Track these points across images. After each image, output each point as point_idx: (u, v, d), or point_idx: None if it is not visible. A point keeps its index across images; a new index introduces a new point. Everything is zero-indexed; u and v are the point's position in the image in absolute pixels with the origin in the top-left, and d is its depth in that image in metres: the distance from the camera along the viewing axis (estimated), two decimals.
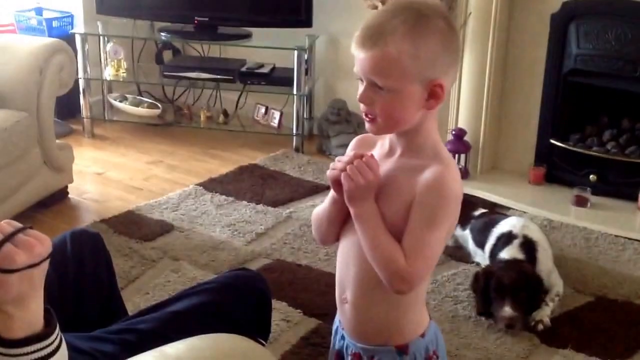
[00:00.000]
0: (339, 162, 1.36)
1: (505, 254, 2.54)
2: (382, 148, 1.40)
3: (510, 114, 3.57)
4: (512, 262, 2.49)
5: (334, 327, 1.53)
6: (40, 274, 1.09)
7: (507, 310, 2.34)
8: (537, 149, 3.51)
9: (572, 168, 3.42)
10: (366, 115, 1.33)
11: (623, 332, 2.41)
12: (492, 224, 2.76)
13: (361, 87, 1.32)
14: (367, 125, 1.34)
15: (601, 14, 3.20)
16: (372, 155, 1.35)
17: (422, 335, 1.42)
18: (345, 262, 1.42)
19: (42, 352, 1.10)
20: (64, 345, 1.16)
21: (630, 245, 2.98)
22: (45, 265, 1.09)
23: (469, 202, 2.89)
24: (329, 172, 1.38)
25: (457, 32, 1.38)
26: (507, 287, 2.37)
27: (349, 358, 1.46)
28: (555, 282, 2.58)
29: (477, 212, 2.94)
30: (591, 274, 2.76)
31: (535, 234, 2.65)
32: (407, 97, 1.29)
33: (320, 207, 1.46)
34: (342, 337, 1.48)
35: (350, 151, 1.42)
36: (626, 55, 3.14)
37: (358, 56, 1.29)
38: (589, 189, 3.30)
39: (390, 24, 1.27)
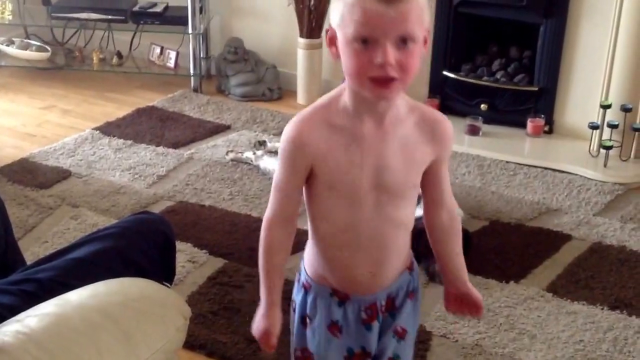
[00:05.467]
0: None
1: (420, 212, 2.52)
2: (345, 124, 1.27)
3: None
4: None
5: (319, 302, 1.42)
6: None
7: None
8: (431, 81, 3.58)
9: (464, 98, 3.53)
10: (385, 79, 1.20)
11: (517, 254, 2.54)
12: None
13: (381, 50, 1.18)
14: (378, 90, 1.21)
15: None
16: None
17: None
18: (376, 244, 1.37)
19: None
20: None
21: (520, 170, 3.12)
22: None
23: None
24: None
25: None
26: None
27: (363, 314, 1.41)
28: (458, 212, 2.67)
29: None
30: (485, 199, 2.89)
31: None
32: (422, 47, 1.23)
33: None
34: (339, 304, 1.41)
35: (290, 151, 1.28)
36: None
37: (382, 14, 1.16)
38: (480, 118, 3.42)
39: None
